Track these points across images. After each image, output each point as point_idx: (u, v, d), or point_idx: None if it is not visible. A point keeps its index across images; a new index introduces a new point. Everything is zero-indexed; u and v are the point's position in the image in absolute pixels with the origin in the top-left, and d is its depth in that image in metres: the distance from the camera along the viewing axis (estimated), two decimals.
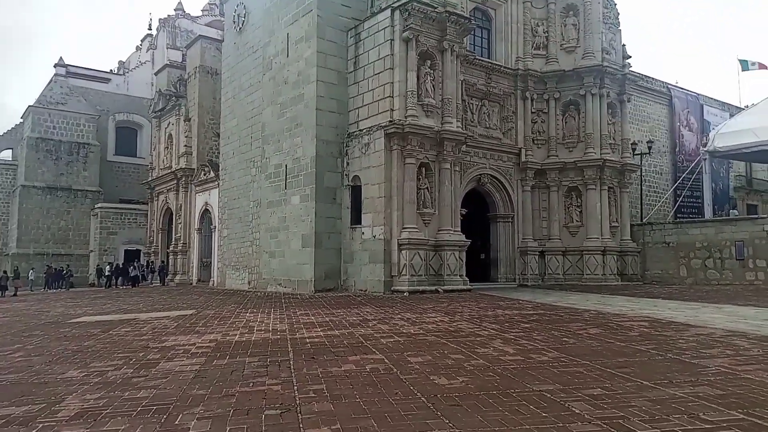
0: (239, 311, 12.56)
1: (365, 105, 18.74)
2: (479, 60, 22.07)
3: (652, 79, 31.50)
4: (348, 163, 19.10)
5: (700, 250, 21.92)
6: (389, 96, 17.77)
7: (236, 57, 24.86)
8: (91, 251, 37.33)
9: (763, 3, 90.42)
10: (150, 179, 36.12)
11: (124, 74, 44.22)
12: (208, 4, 50.69)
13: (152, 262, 34.62)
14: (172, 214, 33.59)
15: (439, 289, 17.09)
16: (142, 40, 49.45)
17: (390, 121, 17.46)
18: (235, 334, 8.72)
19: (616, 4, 24.55)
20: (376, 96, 18.27)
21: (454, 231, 18.25)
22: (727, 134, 24.72)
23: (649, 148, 27.03)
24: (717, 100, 35.84)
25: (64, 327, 10.74)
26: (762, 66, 36.59)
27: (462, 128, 19.25)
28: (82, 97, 39.98)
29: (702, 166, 25.53)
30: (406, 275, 17.01)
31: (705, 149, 25.11)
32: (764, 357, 6.24)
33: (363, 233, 18.15)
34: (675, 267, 22.62)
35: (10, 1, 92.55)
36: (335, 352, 6.93)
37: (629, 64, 24.45)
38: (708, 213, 25.36)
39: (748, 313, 10.63)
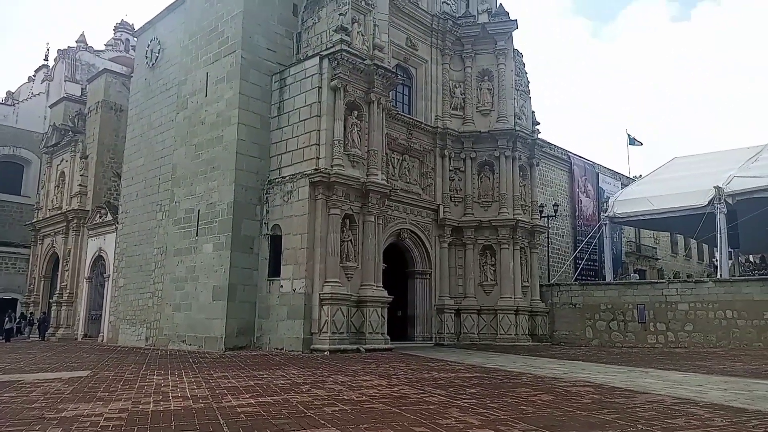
0: (144, 373, 11.05)
1: (289, 151, 18.05)
2: (401, 115, 22.23)
3: (554, 146, 33.35)
4: (268, 211, 18.14)
5: (605, 312, 22.74)
6: (315, 144, 17.23)
7: (147, 93, 23.45)
8: None
9: (650, 78, 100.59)
10: (35, 220, 32.68)
11: (13, 105, 40.61)
12: (113, 39, 48.41)
13: (31, 313, 30.86)
14: (58, 259, 30.36)
15: (361, 348, 16.26)
16: (36, 71, 45.94)
17: (316, 169, 16.85)
18: (148, 402, 7.45)
19: (527, 73, 25.92)
20: (301, 143, 17.67)
21: (377, 286, 17.65)
22: (624, 201, 26.37)
23: (555, 210, 28.26)
24: (610, 169, 38.59)
25: None
26: (638, 142, 40.32)
27: (387, 181, 19.00)
28: None
29: (603, 231, 26.90)
30: (327, 332, 16.05)
31: (605, 215, 26.55)
32: (733, 427, 6.06)
33: (282, 286, 17.07)
34: (581, 328, 23.26)
35: None
36: (278, 425, 5.98)
37: (538, 130, 25.69)
38: (609, 276, 26.61)
39: (676, 378, 10.75)
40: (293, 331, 16.45)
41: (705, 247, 45.59)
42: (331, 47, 17.82)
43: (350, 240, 17.50)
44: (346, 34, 17.77)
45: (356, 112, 18.15)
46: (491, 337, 22.30)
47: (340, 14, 18.02)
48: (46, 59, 45.53)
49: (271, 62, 19.34)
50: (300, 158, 17.63)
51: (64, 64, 40.86)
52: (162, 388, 8.78)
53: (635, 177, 41.17)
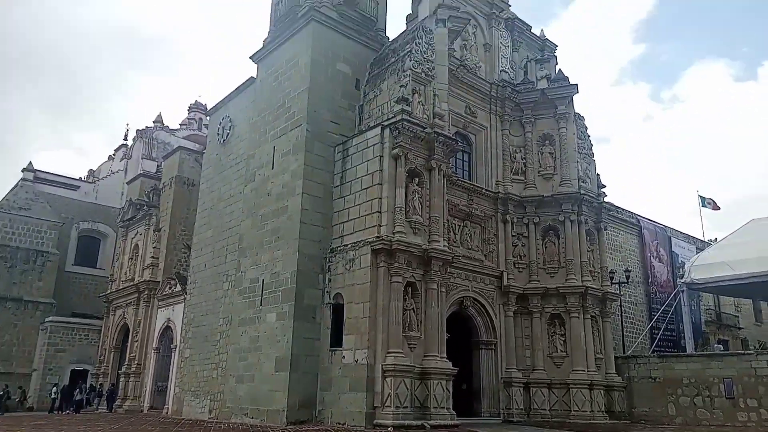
0: None
1: (351, 219, 18.19)
2: (462, 181, 22.14)
3: (622, 209, 32.28)
4: (330, 280, 18.12)
5: (688, 386, 20.98)
6: (377, 211, 17.30)
7: (217, 168, 24.51)
8: (34, 370, 34.07)
9: (717, 140, 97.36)
10: (108, 292, 34.04)
11: (94, 182, 43.41)
12: (187, 118, 51.65)
13: (101, 384, 31.54)
14: (128, 331, 31.24)
15: (426, 425, 15.53)
16: (116, 150, 49.36)
17: (377, 237, 16.82)
18: None
19: (589, 136, 25.48)
20: (363, 211, 17.78)
21: (441, 357, 17.04)
22: (702, 266, 24.89)
23: (627, 277, 26.95)
24: (682, 233, 36.84)
25: None
26: (715, 206, 38.29)
27: (448, 248, 18.72)
28: (48, 204, 38.66)
29: (680, 298, 25.34)
30: (390, 407, 15.45)
31: (682, 281, 25.10)
32: None
33: (344, 357, 16.75)
34: (663, 404, 21.47)
35: None
36: None
37: (604, 193, 24.94)
38: (689, 347, 24.84)
39: None
40: (356, 404, 15.95)
41: None
42: (392, 117, 18.19)
43: (412, 309, 17.14)
44: (407, 104, 18.13)
45: (417, 180, 18.21)
46: (564, 413, 20.86)
47: (401, 86, 18.48)
48: (125, 138, 48.93)
49: (335, 134, 19.88)
50: (362, 226, 17.70)
51: (141, 142, 43.68)
52: None
53: (710, 241, 39.07)
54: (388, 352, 16.04)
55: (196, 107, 53.22)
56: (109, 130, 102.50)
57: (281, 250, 18.87)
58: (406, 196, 17.65)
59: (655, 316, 30.90)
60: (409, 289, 17.16)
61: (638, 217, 33.08)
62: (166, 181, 32.19)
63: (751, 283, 23.42)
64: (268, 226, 19.87)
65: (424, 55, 19.43)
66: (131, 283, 31.28)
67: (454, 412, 16.83)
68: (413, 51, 19.10)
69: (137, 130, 45.92)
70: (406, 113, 17.98)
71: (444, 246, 18.09)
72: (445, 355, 17.22)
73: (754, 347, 31.72)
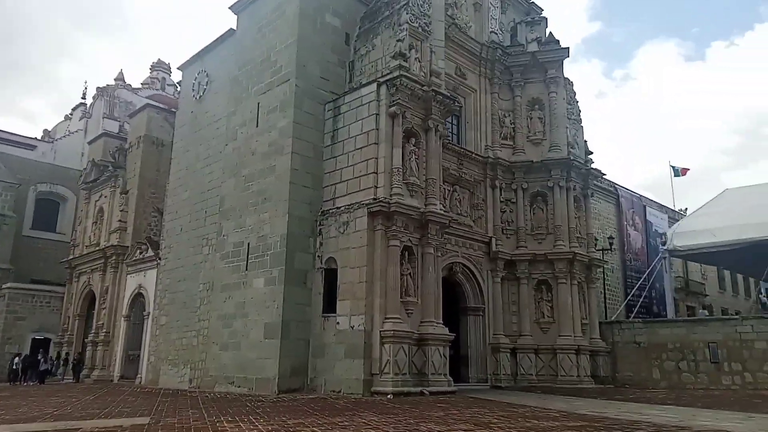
0: (211, 419, 10.06)
1: (344, 181, 17.31)
2: (452, 145, 21.47)
3: (601, 178, 32.22)
4: (322, 243, 17.32)
5: (673, 351, 21.26)
6: (373, 172, 16.48)
7: (193, 126, 23.10)
8: None
9: (687, 110, 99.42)
10: (71, 257, 32.27)
11: (51, 142, 40.90)
12: (150, 77, 49.13)
13: (66, 353, 30.06)
14: (94, 298, 29.74)
15: (425, 391, 15.11)
16: (73, 109, 46.62)
17: (374, 199, 16.05)
18: None
19: (578, 102, 25.11)
20: (357, 172, 16.93)
21: (438, 323, 16.59)
22: (684, 234, 25.09)
23: (611, 244, 27.14)
24: (656, 202, 37.30)
25: None
26: (684, 170, 38.88)
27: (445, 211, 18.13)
28: (2, 164, 36.17)
29: (661, 264, 25.58)
30: (389, 373, 14.94)
31: (665, 248, 25.28)
32: None
33: (338, 323, 16.09)
34: (647, 369, 21.74)
35: None
36: None
37: (591, 159, 24.72)
38: (670, 312, 25.18)
39: None
40: (352, 371, 15.37)
41: (752, 282, 43.74)
42: (388, 73, 17.25)
43: (409, 273, 16.56)
44: (404, 60, 17.22)
45: (413, 140, 17.44)
46: (551, 378, 20.89)
47: (398, 40, 17.50)
48: (84, 97, 46.24)
49: (324, 91, 18.82)
50: (356, 187, 16.87)
51: (102, 101, 41.30)
52: None
53: (681, 210, 39.83)
54: (386, 318, 15.46)
55: (158, 66, 50.61)
56: (59, 95, 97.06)
57: (269, 212, 17.89)
58: (403, 156, 16.87)
59: (629, 282, 31.37)
60: (406, 253, 16.53)
61: (616, 186, 33.21)
62: (132, 140, 30.42)
63: (732, 250, 23.70)
64: (253, 187, 18.81)
65: (421, 9, 18.44)
66: (97, 248, 29.67)
67: (451, 379, 16.52)
68: (410, 4, 18.08)
69: (97, 88, 43.34)
70: (404, 69, 17.07)
71: (441, 209, 17.48)
72: (441, 321, 16.79)
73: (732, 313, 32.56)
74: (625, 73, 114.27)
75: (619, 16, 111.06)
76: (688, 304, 36.95)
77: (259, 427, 8.99)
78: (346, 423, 9.33)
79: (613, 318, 25.69)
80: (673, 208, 38.95)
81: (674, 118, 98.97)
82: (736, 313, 33.69)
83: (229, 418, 10.03)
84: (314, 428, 8.73)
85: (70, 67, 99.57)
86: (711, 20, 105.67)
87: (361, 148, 17.06)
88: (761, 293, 38.07)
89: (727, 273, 41.37)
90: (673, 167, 39.35)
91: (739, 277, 42.70)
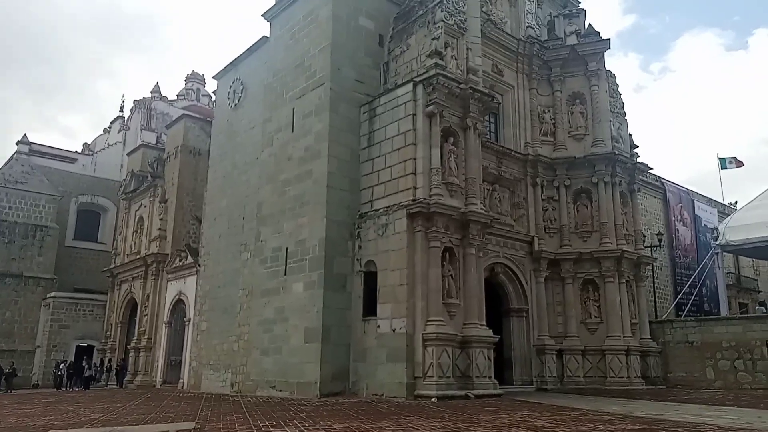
0: (257, 425, 9.89)
1: (382, 183, 17.06)
2: (490, 143, 21.01)
3: (647, 172, 31.26)
4: (360, 247, 17.08)
5: (728, 350, 20.29)
6: (411, 173, 16.18)
7: (229, 134, 23.21)
8: (38, 347, 33.10)
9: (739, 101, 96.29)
10: (113, 266, 32.94)
11: (91, 155, 41.90)
12: (185, 89, 49.94)
13: (109, 360, 30.62)
14: (135, 305, 30.27)
15: (470, 394, 14.70)
16: (111, 123, 47.69)
17: (413, 200, 15.75)
18: None
19: (621, 94, 24.32)
20: (396, 173, 16.66)
21: (481, 325, 16.16)
22: (736, 228, 24.06)
23: (660, 240, 26.19)
24: (704, 196, 35.98)
25: None
26: (738, 163, 37.26)
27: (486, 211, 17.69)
28: (45, 177, 37.21)
29: (714, 260, 24.56)
30: (433, 377, 14.59)
31: (717, 243, 24.27)
32: None
33: (379, 326, 15.82)
34: (701, 369, 20.83)
35: None
36: None
37: (637, 154, 23.90)
38: (723, 310, 24.14)
39: None
40: (394, 375, 15.06)
41: None
42: (423, 73, 16.95)
43: (450, 275, 16.18)
44: (440, 59, 16.90)
45: (452, 139, 17.08)
46: (599, 380, 20.17)
47: (433, 39, 17.20)
48: (121, 110, 47.26)
49: (359, 94, 18.63)
50: (394, 189, 16.59)
51: (140, 113, 42.13)
52: None
53: (730, 204, 38.34)
54: (429, 321, 15.12)
55: (193, 77, 51.45)
56: (96, 112, 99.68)
57: (306, 216, 17.77)
58: (441, 156, 16.53)
59: (679, 280, 30.29)
60: (446, 254, 16.16)
61: (662, 181, 32.14)
62: (170, 150, 30.88)
63: None
64: (290, 192, 18.73)
65: (456, 6, 18.09)
66: (137, 257, 30.20)
67: (496, 381, 16.10)
68: (444, 1, 17.75)
69: (134, 101, 44.29)
70: (440, 68, 16.75)
71: (482, 209, 17.06)
72: (485, 323, 16.35)
73: None
74: (663, 66, 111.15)
75: (654, 7, 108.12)
76: (741, 300, 35.51)
77: (306, 431, 8.76)
78: (393, 427, 9.04)
79: (663, 317, 24.78)
80: (722, 202, 37.50)
81: (718, 110, 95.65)
82: None
83: (274, 423, 9.85)
84: None
85: (106, 84, 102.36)
86: (753, 7, 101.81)
87: (398, 149, 16.78)
88: None
89: None
90: (721, 159, 37.82)
91: None
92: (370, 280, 16.64)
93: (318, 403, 14.12)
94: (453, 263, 16.26)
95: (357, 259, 17.12)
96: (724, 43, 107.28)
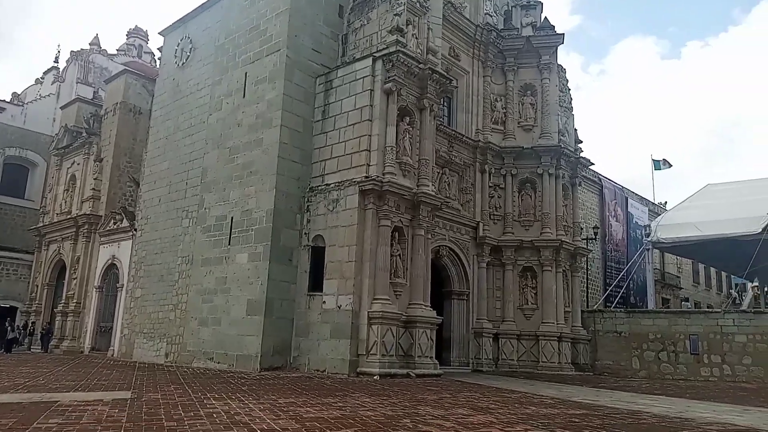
0: (197, 396, 9.58)
1: (334, 157, 16.79)
2: (443, 127, 21.08)
3: (588, 168, 32.26)
4: (309, 221, 16.81)
5: (654, 341, 21.43)
6: (365, 150, 15.99)
7: (174, 94, 22.18)
8: None
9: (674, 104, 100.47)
10: (40, 225, 31.13)
11: (20, 105, 39.19)
12: (126, 44, 47.22)
13: (33, 323, 29.10)
14: (64, 267, 28.81)
15: (411, 373, 14.85)
16: (45, 73, 44.55)
17: (366, 177, 15.58)
18: None
19: (570, 90, 24.92)
20: (350, 148, 16.42)
21: (426, 306, 16.30)
22: (668, 226, 25.27)
23: (595, 233, 27.18)
24: (636, 194, 37.55)
25: None
26: (667, 162, 39.11)
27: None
28: None
29: (644, 256, 25.74)
30: (376, 355, 14.63)
31: (648, 239, 25.42)
32: None
33: (324, 302, 15.68)
34: (627, 358, 21.91)
35: None
36: None
37: (581, 149, 24.60)
38: (651, 303, 25.39)
39: None
40: (338, 352, 15.01)
41: (723, 276, 44.65)
42: (384, 48, 16.72)
43: (399, 255, 16.19)
44: (401, 35, 16.67)
45: (408, 119, 16.98)
46: (532, 364, 20.92)
47: (395, 14, 16.94)
48: (56, 61, 44.27)
49: (316, 64, 18.19)
50: (348, 165, 16.37)
51: (76, 65, 39.70)
52: (238, 418, 7.35)
53: (661, 203, 40.25)
54: (375, 299, 15.11)
55: (135, 32, 48.66)
56: (26, 61, 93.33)
57: (254, 186, 17.29)
58: (396, 135, 16.40)
59: (609, 272, 31.62)
60: (396, 234, 16.14)
61: (600, 176, 33.28)
62: (108, 107, 29.33)
63: (713, 244, 23.96)
64: (238, 160, 18.15)
65: None
66: (68, 217, 28.66)
67: (437, 361, 16.32)
68: None
69: (71, 51, 41.56)
70: (401, 45, 16.55)
71: (433, 191, 17.11)
72: (429, 304, 16.49)
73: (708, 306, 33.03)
74: (601, 69, 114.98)
75: (598, 11, 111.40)
76: (664, 296, 37.48)
77: (250, 405, 8.55)
78: (340, 404, 8.96)
79: (595, 307, 25.80)
80: (653, 201, 39.29)
81: (652, 114, 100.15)
82: (708, 307, 34.32)
83: (216, 395, 9.57)
84: (308, 408, 8.34)
85: (39, 33, 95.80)
86: (688, 19, 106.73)
87: (353, 124, 16.53)
88: (732, 288, 38.93)
89: (701, 267, 42.05)
90: (655, 161, 39.60)
91: (713, 271, 43.50)
92: (318, 255, 16.44)
93: (259, 377, 13.89)
94: (402, 243, 16.27)
95: (305, 233, 16.85)
96: (660, 51, 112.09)
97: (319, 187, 16.84)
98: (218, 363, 16.63)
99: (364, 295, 15.10)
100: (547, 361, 20.76)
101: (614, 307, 26.69)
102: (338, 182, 16.29)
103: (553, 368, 20.52)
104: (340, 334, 15.02)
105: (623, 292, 30.55)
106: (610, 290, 29.03)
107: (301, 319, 16.19)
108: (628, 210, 34.81)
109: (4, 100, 40.19)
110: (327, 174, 16.91)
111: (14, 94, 46.13)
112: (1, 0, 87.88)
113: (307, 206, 16.98)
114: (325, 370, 15.00)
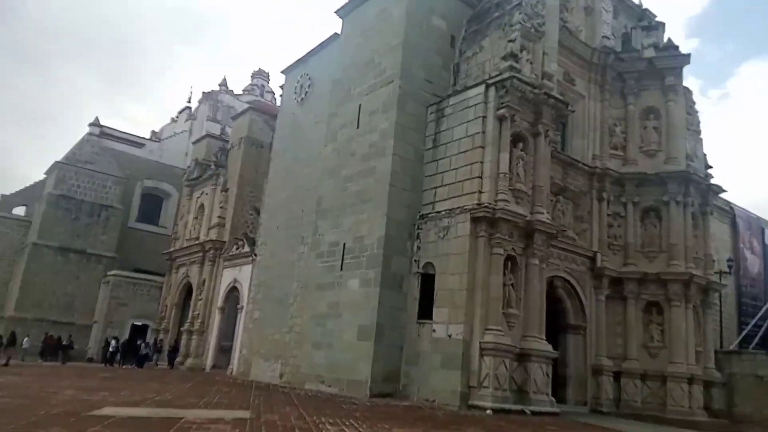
0: (313, 420, 9.75)
1: (445, 185, 16.76)
2: (557, 153, 20.35)
3: (718, 195, 29.80)
4: (419, 248, 16.82)
5: None
6: (477, 177, 15.82)
7: (293, 128, 23.40)
8: (95, 322, 34.29)
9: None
10: (172, 249, 33.80)
11: (158, 142, 43.24)
12: (250, 84, 50.99)
13: (161, 340, 31.44)
14: (190, 289, 30.96)
15: (526, 410, 14.19)
16: (179, 112, 49.20)
17: (478, 204, 15.37)
18: None
19: (698, 112, 23.25)
20: (461, 176, 16.32)
21: (541, 339, 15.61)
22: None
23: (730, 267, 24.84)
24: None
25: (88, 423, 7.98)
26: None
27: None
28: (113, 160, 38.59)
29: None
30: (488, 388, 14.16)
31: None
32: None
33: (434, 330, 15.50)
34: None
35: (34, 77, 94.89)
36: None
37: (711, 174, 22.74)
38: None
39: None
40: (448, 382, 14.70)
41: None
42: (497, 75, 16.57)
43: (512, 284, 15.69)
44: (515, 61, 16.48)
45: (521, 144, 16.62)
46: (658, 407, 19.18)
47: (509, 41, 16.81)
48: (189, 101, 48.64)
49: (428, 93, 18.41)
50: (459, 192, 16.26)
51: (207, 105, 43.22)
52: None
53: None
54: (487, 329, 14.71)
55: (259, 74, 52.53)
56: (161, 104, 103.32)
57: (366, 213, 17.64)
58: (509, 161, 16.09)
59: (744, 310, 28.74)
60: (508, 263, 15.70)
61: (732, 205, 30.56)
62: (234, 141, 31.47)
63: None
64: (351, 188, 18.66)
65: (534, 9, 17.66)
66: (196, 242, 30.86)
67: (553, 399, 15.49)
68: (522, 4, 17.34)
69: (203, 92, 45.60)
70: (515, 70, 16.33)
71: (548, 218, 16.53)
72: (544, 337, 15.79)
73: None
74: (722, 93, 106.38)
75: (716, 33, 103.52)
76: None
77: None
78: None
79: (731, 347, 23.44)
80: None
81: None
82: None
83: (330, 420, 9.69)
84: None
85: (174, 78, 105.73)
86: None
87: (465, 151, 16.45)
88: None
89: None
90: None
91: None
92: (428, 282, 16.35)
93: (370, 403, 13.94)
94: (515, 272, 15.78)
95: (415, 260, 16.87)
96: None
97: (430, 215, 16.84)
98: (329, 386, 16.89)
99: (475, 324, 14.76)
100: (676, 405, 18.96)
101: (753, 348, 24.10)
102: (449, 209, 16.21)
103: (682, 413, 18.70)
104: (451, 365, 14.73)
105: (763, 333, 27.55)
106: (748, 329, 26.25)
107: (411, 347, 16.10)
108: (765, 242, 31.53)
109: (144, 137, 44.55)
110: (438, 201, 16.90)
111: (152, 132, 51.13)
112: (148, 50, 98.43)
113: (418, 233, 17.02)
114: (434, 401, 14.74)
